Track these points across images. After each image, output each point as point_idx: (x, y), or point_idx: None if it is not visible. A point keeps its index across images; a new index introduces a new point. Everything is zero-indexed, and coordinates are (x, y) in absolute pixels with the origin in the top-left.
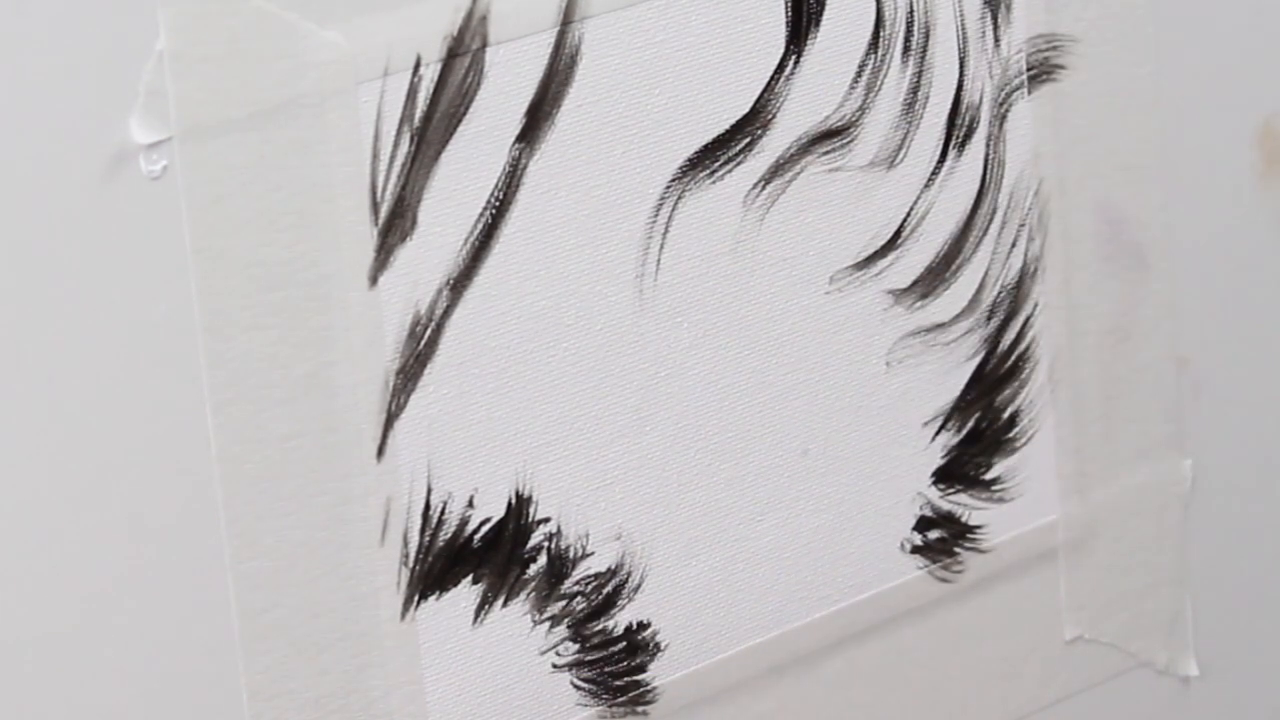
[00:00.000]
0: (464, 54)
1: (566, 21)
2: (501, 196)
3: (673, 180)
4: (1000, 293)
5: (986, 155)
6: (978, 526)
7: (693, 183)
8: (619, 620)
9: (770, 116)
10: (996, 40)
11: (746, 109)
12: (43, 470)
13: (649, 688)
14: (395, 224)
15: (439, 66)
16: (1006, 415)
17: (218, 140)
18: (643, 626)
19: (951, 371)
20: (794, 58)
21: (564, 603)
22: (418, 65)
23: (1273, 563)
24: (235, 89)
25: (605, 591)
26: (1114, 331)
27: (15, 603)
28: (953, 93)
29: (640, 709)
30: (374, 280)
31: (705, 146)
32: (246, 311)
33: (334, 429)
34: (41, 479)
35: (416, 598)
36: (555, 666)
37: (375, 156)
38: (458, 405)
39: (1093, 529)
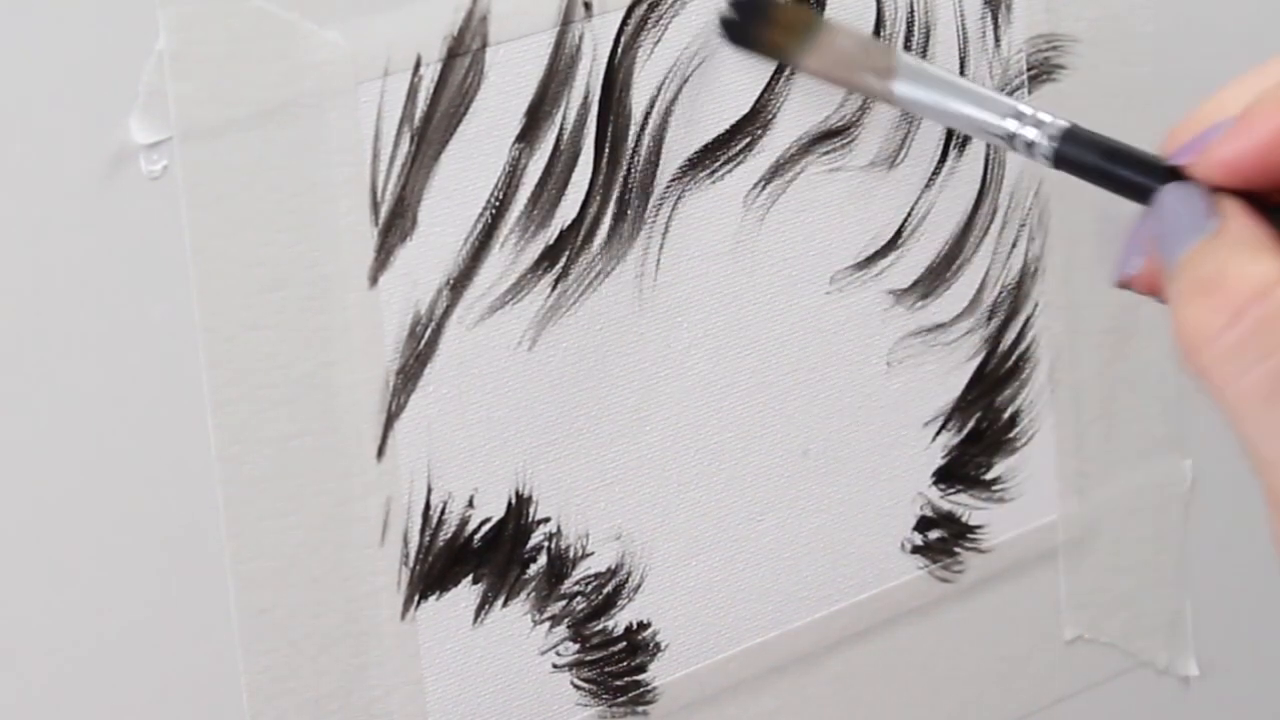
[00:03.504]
0: (464, 54)
1: (566, 22)
2: (501, 196)
3: (672, 180)
4: (1001, 293)
5: (987, 155)
6: (978, 526)
7: (692, 182)
8: (619, 620)
9: (770, 116)
10: (997, 40)
11: (746, 109)
12: (42, 470)
13: (649, 687)
14: (395, 224)
15: (439, 66)
16: (1007, 415)
17: (218, 140)
18: (643, 626)
19: (952, 371)
20: None
21: (564, 603)
22: (418, 65)
23: (1273, 563)
24: (235, 89)
25: (605, 591)
26: (1114, 332)
27: (14, 603)
28: None
29: (640, 709)
30: (374, 280)
31: (705, 146)
32: (246, 311)
33: (334, 429)
34: (41, 479)
35: (416, 598)
36: (555, 666)
37: (375, 156)
38: (457, 405)
39: (1093, 529)
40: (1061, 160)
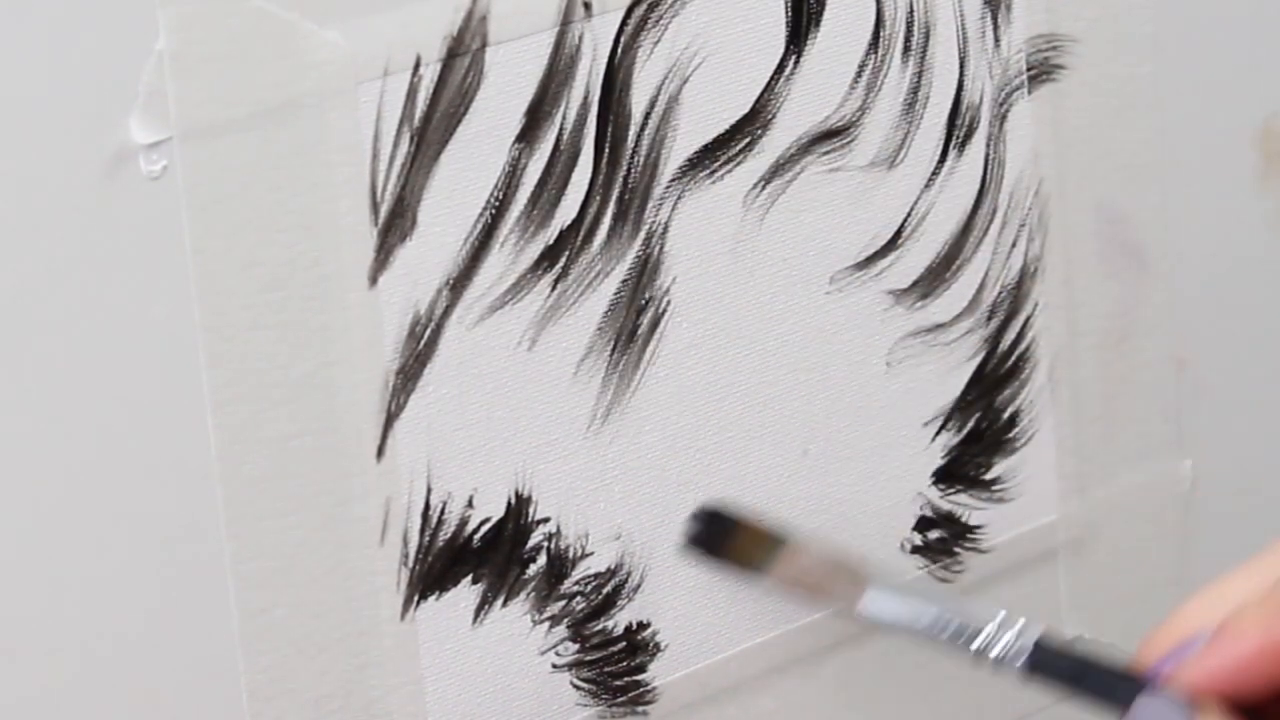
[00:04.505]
0: (464, 54)
1: (566, 22)
2: (501, 196)
3: (672, 180)
4: (1000, 293)
5: (986, 155)
6: (978, 526)
7: (692, 182)
8: (619, 620)
9: (770, 116)
10: (996, 40)
11: (746, 109)
12: (42, 470)
13: (649, 687)
14: (395, 224)
15: (439, 66)
16: (1006, 415)
17: (218, 140)
18: (642, 626)
19: (952, 371)
20: (794, 58)
21: (563, 603)
22: (418, 65)
23: None
24: (235, 89)
25: (605, 591)
26: (1114, 332)
27: (15, 603)
28: (953, 93)
29: (640, 709)
30: (374, 280)
31: (705, 146)
32: (246, 311)
33: (334, 429)
34: (41, 478)
35: (416, 597)
36: (555, 666)
37: (375, 156)
38: (457, 405)
39: (1093, 529)
40: (1033, 676)
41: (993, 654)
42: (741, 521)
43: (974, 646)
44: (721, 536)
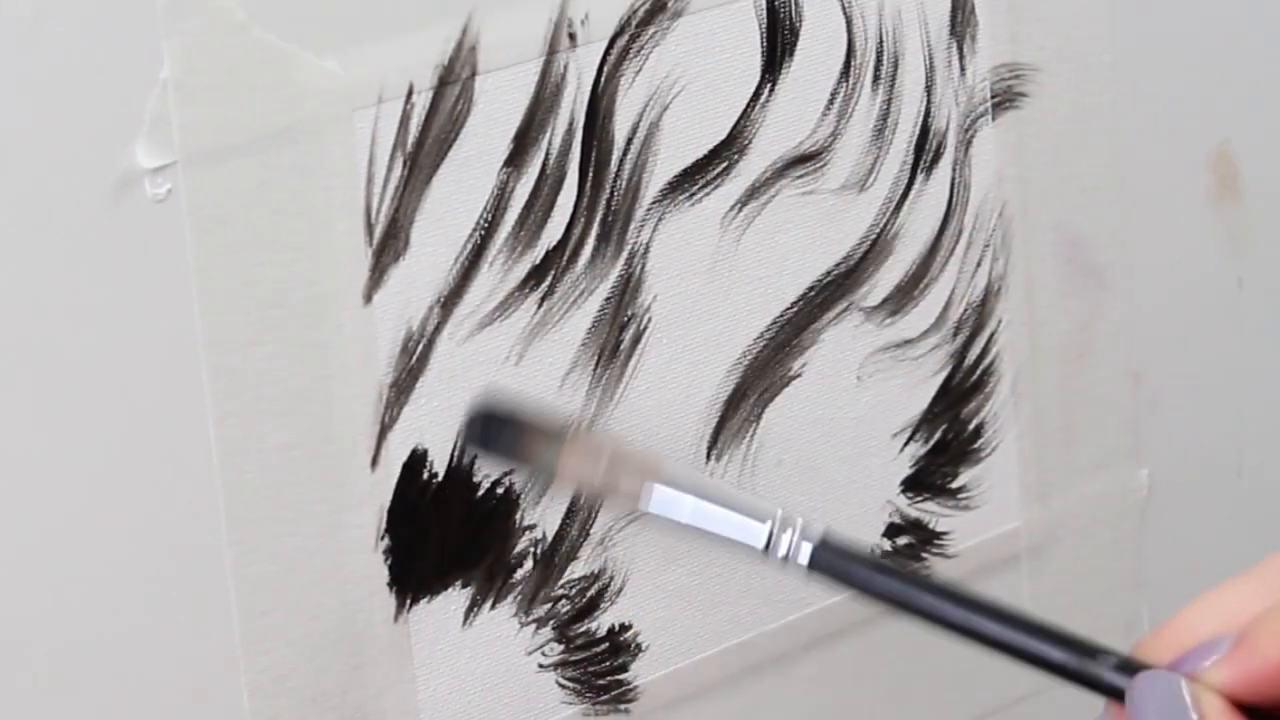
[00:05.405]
0: (454, 83)
1: (552, 51)
2: (490, 218)
3: (653, 203)
4: (966, 310)
5: (953, 179)
6: (944, 533)
7: (672, 205)
8: (602, 622)
9: (746, 142)
10: (962, 69)
11: (724, 135)
12: (54, 479)
13: (630, 686)
14: (389, 244)
15: (430, 94)
16: (971, 427)
17: (220, 165)
18: (624, 628)
19: (919, 385)
20: (769, 86)
21: (549, 605)
22: (410, 93)
23: (1223, 568)
24: (236, 116)
25: (589, 595)
26: (1074, 347)
27: (22, 603)
28: (920, 119)
29: (622, 707)
30: (368, 298)
31: (684, 171)
32: (247, 328)
33: (330, 440)
34: (52, 488)
35: (409, 601)
36: (541, 666)
37: (370, 180)
38: (448, 417)
39: (1053, 535)
40: (817, 565)
41: (779, 554)
42: (520, 418)
43: (758, 545)
44: (503, 434)
